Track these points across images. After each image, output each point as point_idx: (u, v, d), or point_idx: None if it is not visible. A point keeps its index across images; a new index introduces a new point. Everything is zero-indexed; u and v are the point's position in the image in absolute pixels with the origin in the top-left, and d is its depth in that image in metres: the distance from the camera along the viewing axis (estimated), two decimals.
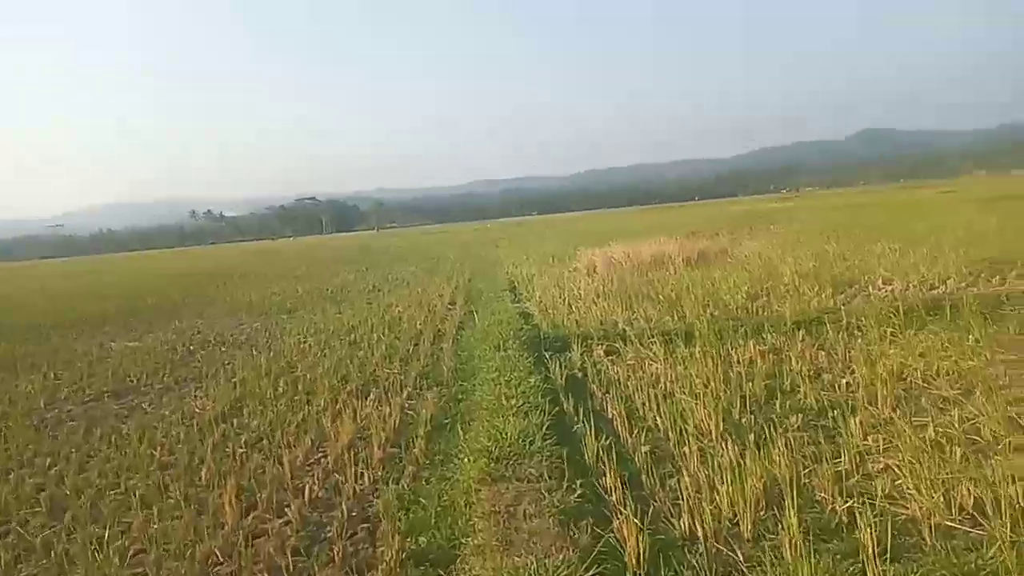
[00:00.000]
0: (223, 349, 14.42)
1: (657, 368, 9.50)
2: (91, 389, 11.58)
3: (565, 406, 7.80)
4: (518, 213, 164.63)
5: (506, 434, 6.44)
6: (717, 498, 5.30)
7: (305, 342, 14.15)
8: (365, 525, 5.65)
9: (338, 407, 9.03)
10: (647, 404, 7.89)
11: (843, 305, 12.59)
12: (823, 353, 9.57)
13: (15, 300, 32.86)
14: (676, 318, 12.70)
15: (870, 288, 14.85)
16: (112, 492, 6.84)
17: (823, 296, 13.72)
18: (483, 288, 20.62)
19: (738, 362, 9.46)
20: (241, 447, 7.82)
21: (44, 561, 5.50)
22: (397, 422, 8.05)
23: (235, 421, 8.96)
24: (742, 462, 5.73)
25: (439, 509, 5.57)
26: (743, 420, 7.16)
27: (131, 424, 9.19)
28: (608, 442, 6.63)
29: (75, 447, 8.39)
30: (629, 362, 10.07)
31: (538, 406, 7.39)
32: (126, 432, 8.78)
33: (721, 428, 6.77)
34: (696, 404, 7.56)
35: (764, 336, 10.81)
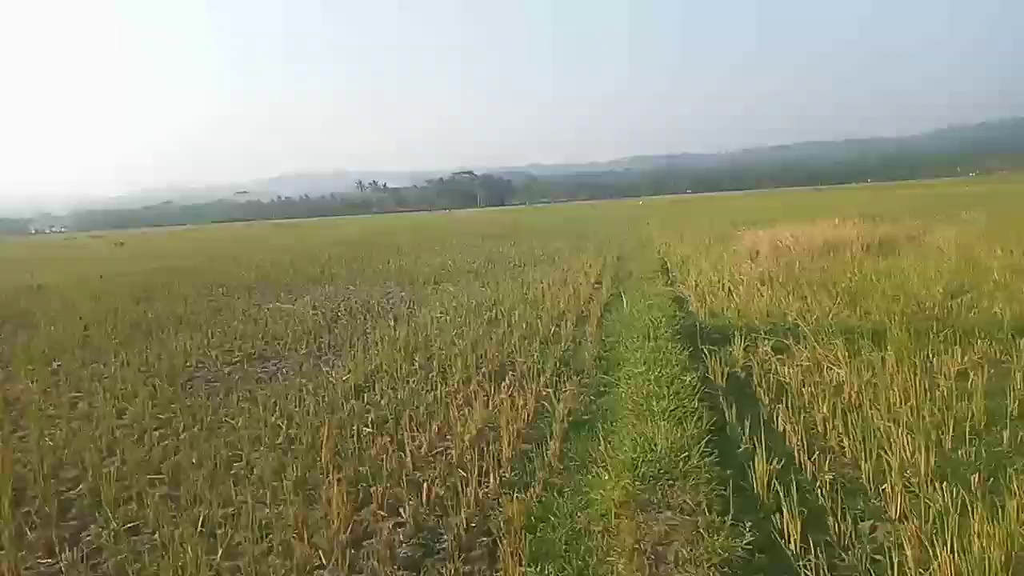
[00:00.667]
0: (367, 317, 14.32)
1: (840, 374, 8.02)
2: (239, 351, 11.75)
3: (727, 414, 6.63)
4: (671, 191, 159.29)
5: (655, 445, 5.42)
6: (935, 566, 4.01)
7: (446, 315, 13.72)
8: (485, 540, 4.88)
9: (471, 389, 8.37)
10: (828, 419, 6.54)
11: None
12: None
13: (194, 260, 35.63)
14: (859, 314, 10.96)
15: None
16: (235, 465, 6.55)
17: None
18: (632, 268, 19.41)
19: (943, 375, 7.78)
20: (367, 426, 7.34)
21: (154, 536, 5.20)
22: (531, 414, 7.23)
23: (365, 396, 8.54)
24: (969, 516, 4.37)
25: (571, 534, 4.67)
26: (960, 453, 5.67)
27: (267, 392, 9.04)
28: (780, 464, 5.44)
29: (212, 410, 8.31)
30: (803, 363, 8.64)
31: (694, 412, 6.29)
32: (260, 400, 8.62)
33: (932, 462, 5.35)
34: (893, 424, 6.14)
35: (974, 343, 8.94)
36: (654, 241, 27.75)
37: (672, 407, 6.35)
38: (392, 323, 13.27)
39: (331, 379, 9.39)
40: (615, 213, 64.31)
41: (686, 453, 5.40)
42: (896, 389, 7.17)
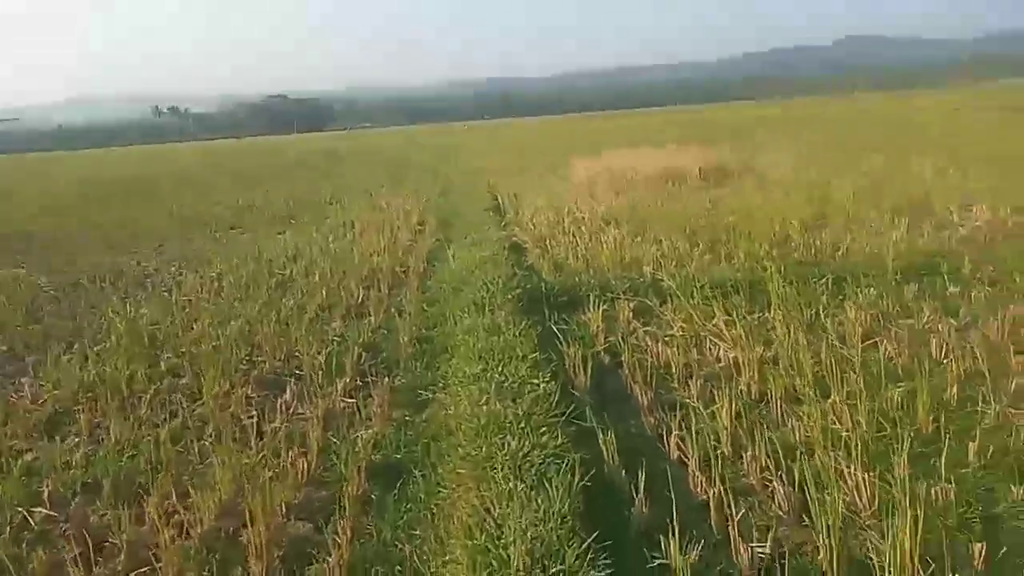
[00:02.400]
0: (112, 289, 10.86)
1: (727, 350, 6.24)
2: None
3: (603, 447, 4.51)
4: (496, 115, 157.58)
5: (508, 556, 3.18)
6: None
7: (223, 279, 10.65)
8: None
9: (226, 414, 5.72)
10: (736, 429, 4.68)
11: (949, 241, 9.41)
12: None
13: None
14: (723, 260, 9.39)
15: (954, 216, 11.64)
16: None
17: (901, 228, 10.48)
18: (460, 205, 17.05)
19: (849, 342, 6.22)
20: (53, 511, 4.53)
21: None
22: (308, 467, 4.72)
23: (68, 433, 5.63)
24: None
25: None
26: (913, 478, 3.94)
27: None
28: (700, 550, 3.45)
29: None
30: (678, 334, 6.80)
31: (557, 453, 4.13)
32: None
33: (885, 493, 3.58)
34: (812, 424, 4.43)
35: (858, 292, 7.58)
36: (483, 171, 25.44)
37: (525, 448, 4.13)
38: (143, 299, 9.98)
39: (20, 403, 6.29)
40: (439, 139, 61.15)
41: (555, 547, 3.23)
42: (804, 373, 5.47)
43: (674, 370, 5.98)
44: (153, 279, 11.41)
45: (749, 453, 4.33)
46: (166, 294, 10.19)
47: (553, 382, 5.25)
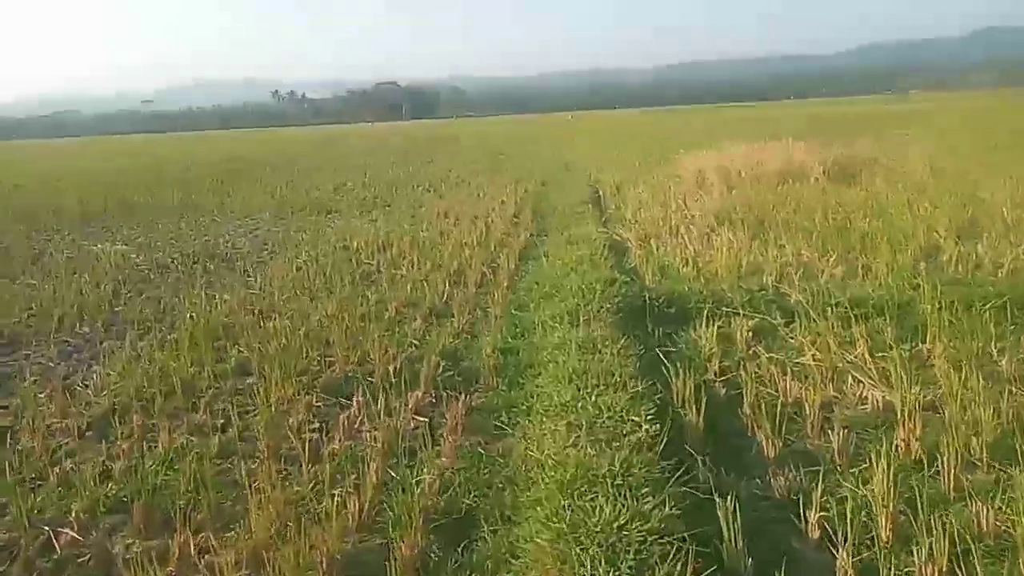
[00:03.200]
0: (203, 270, 10.66)
1: (873, 389, 5.10)
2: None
3: (720, 514, 3.55)
4: (601, 106, 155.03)
5: None
6: None
7: (311, 265, 10.23)
8: None
9: (285, 427, 5.11)
10: (896, 502, 3.61)
11: None
12: None
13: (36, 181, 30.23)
14: (861, 273, 8.09)
15: None
16: None
17: None
18: (558, 197, 16.14)
19: None
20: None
21: None
22: (365, 506, 3.99)
23: (118, 435, 5.18)
24: None
25: None
26: None
27: None
28: None
29: None
30: (811, 363, 5.68)
31: (662, 517, 3.21)
32: None
33: None
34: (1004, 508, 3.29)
35: None
36: (584, 162, 24.43)
37: (621, 517, 3.23)
38: (223, 284, 9.64)
39: (71, 402, 5.91)
40: (542, 129, 60.33)
41: None
42: (982, 430, 4.31)
43: (807, 411, 4.89)
44: (243, 262, 11.13)
45: (922, 549, 3.25)
46: (251, 279, 9.86)
47: (658, 422, 4.31)
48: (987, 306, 6.46)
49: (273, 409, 5.40)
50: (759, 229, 10.78)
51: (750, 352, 6.10)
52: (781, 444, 4.49)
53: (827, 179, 15.60)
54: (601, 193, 15.80)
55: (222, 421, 5.36)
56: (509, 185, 18.94)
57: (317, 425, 5.26)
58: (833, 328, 6.15)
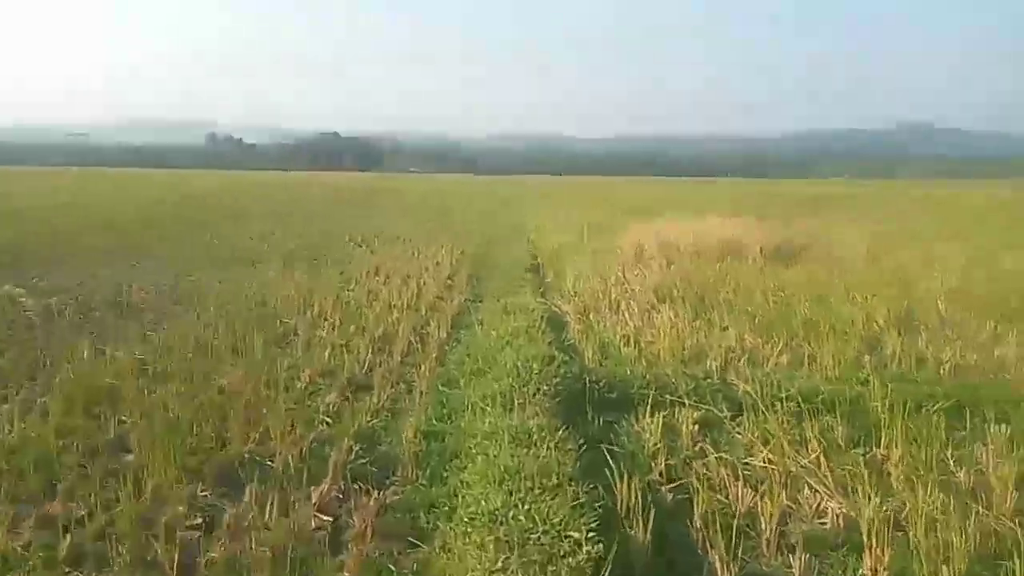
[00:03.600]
0: (99, 319, 9.63)
1: (831, 503, 4.64)
2: None
3: None
4: (542, 171, 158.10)
5: None
6: None
7: (221, 322, 9.34)
8: None
9: (162, 524, 4.28)
10: None
11: None
12: None
13: None
14: (806, 361, 7.77)
15: None
16: None
17: (1011, 342, 8.74)
18: (496, 261, 15.71)
19: (990, 503, 4.59)
20: None
21: None
22: None
23: None
24: None
25: None
26: None
27: None
28: None
29: None
30: (762, 465, 5.20)
31: None
32: None
33: None
34: None
35: (986, 428, 5.92)
36: (524, 226, 24.19)
37: None
38: (119, 339, 8.64)
39: None
40: (482, 190, 60.64)
41: None
42: (952, 555, 3.87)
43: (762, 525, 4.37)
44: (147, 315, 10.14)
45: None
46: (151, 334, 8.91)
47: (601, 539, 3.70)
48: (936, 407, 6.17)
49: (148, 499, 4.56)
50: (701, 308, 10.50)
51: (697, 448, 5.60)
52: (736, 568, 3.93)
53: (764, 259, 15.66)
54: (541, 260, 15.44)
55: (83, 512, 4.47)
56: (446, 245, 18.42)
57: (199, 521, 4.44)
58: (784, 424, 5.72)
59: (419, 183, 75.63)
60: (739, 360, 7.70)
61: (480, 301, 11.28)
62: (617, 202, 39.59)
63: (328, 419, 6.06)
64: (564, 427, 5.36)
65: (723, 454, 5.36)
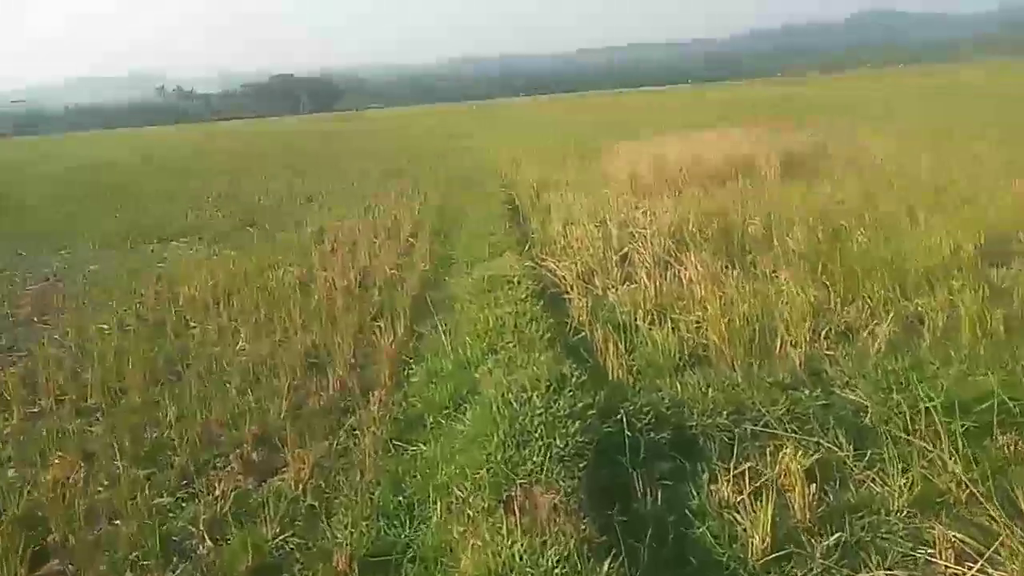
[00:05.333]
0: None
1: None
2: None
3: None
4: (504, 94, 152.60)
5: None
6: None
7: (105, 336, 6.83)
8: None
9: None
10: None
11: None
12: None
13: None
14: (930, 332, 5.43)
15: None
16: None
17: None
18: (465, 206, 13.14)
19: None
20: None
21: None
22: None
23: None
24: None
25: None
26: None
27: None
28: None
29: None
30: (944, 567, 2.93)
31: None
32: None
33: None
34: None
35: None
36: (495, 159, 21.43)
37: None
38: None
39: None
40: (446, 120, 57.02)
41: None
42: None
43: None
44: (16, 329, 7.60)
45: None
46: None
47: None
48: None
49: None
50: (730, 249, 8.15)
51: (826, 544, 3.29)
52: None
53: (779, 173, 13.23)
54: (519, 201, 12.88)
55: None
56: (407, 192, 15.78)
57: None
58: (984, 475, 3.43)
59: (378, 120, 71.46)
60: (823, 334, 5.37)
61: (448, 270, 8.81)
62: (590, 121, 36.63)
63: (204, 531, 3.68)
64: (602, 534, 3.02)
65: (879, 532, 3.05)
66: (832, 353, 5.10)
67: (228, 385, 5.59)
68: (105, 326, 7.51)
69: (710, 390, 4.44)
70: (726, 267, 7.38)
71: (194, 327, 7.33)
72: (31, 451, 4.76)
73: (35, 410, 5.48)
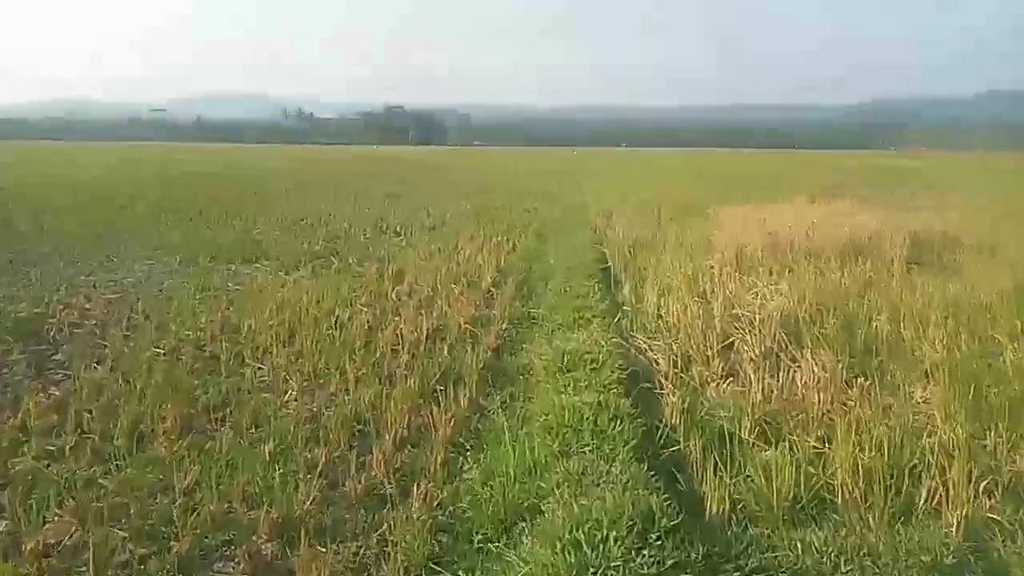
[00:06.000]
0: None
1: None
2: None
3: None
4: (611, 143, 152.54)
5: None
6: None
7: (154, 367, 6.35)
8: None
9: None
10: None
11: None
12: None
13: None
14: None
15: None
16: None
17: None
18: (553, 261, 12.36)
19: None
20: None
21: None
22: None
23: None
24: None
25: None
26: None
27: None
28: None
29: None
30: None
31: None
32: None
33: None
34: None
35: None
36: (590, 208, 20.66)
37: None
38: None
39: None
40: (547, 164, 57.00)
41: None
42: None
43: None
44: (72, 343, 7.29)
45: None
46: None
47: None
48: None
49: None
50: (853, 349, 7.02)
51: None
52: None
53: (908, 262, 11.85)
54: (612, 261, 12.00)
55: None
56: (496, 236, 15.19)
57: None
58: None
59: (478, 156, 72.36)
60: (983, 486, 4.23)
61: (530, 327, 8.04)
62: (693, 179, 35.49)
63: None
64: None
65: None
66: (998, 518, 3.97)
67: (262, 448, 4.92)
68: (161, 351, 7.10)
69: (842, 560, 3.40)
70: (851, 374, 6.28)
71: (248, 365, 6.78)
72: (32, 500, 4.21)
73: (53, 447, 4.96)
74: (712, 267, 10.71)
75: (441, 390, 5.97)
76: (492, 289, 10.23)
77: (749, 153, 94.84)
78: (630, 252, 12.42)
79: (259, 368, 6.70)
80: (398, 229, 16.75)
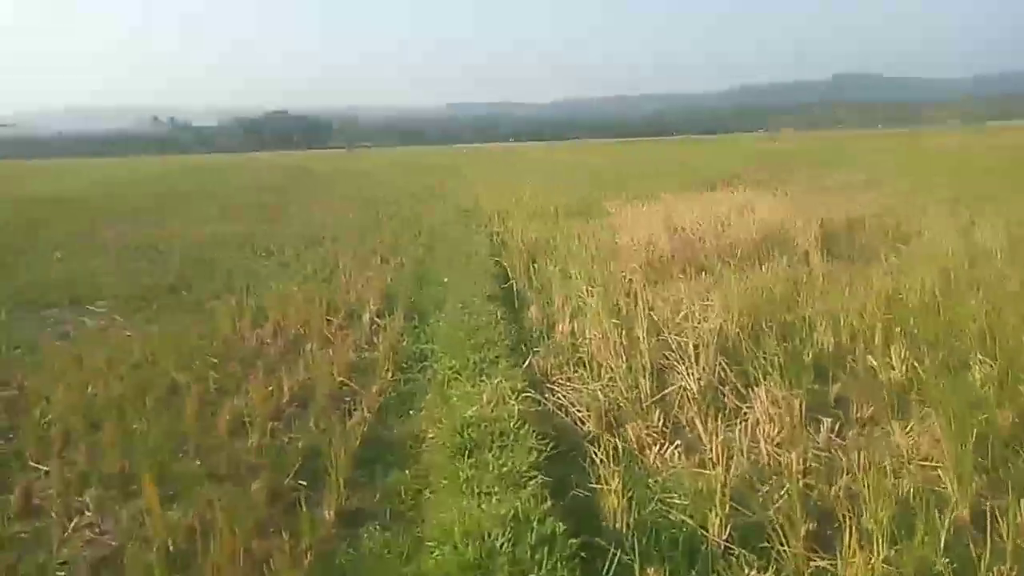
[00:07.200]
0: None
1: None
2: None
3: None
4: (497, 139, 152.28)
5: None
6: None
7: None
8: None
9: None
10: None
11: None
12: None
13: None
14: None
15: None
16: None
17: None
18: (448, 275, 10.81)
19: None
20: None
21: None
22: None
23: None
24: None
25: None
26: None
27: None
28: None
29: None
30: None
31: None
32: None
33: None
34: None
35: None
36: (481, 212, 19.19)
37: None
38: None
39: None
40: (433, 161, 55.14)
41: None
42: None
43: None
44: None
45: None
46: None
47: None
48: None
49: None
50: (807, 377, 5.93)
51: None
52: None
53: (817, 248, 11.13)
54: (513, 274, 10.59)
55: None
56: (381, 251, 13.51)
57: None
58: None
59: (366, 159, 69.51)
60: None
61: (423, 371, 6.51)
62: (584, 170, 34.75)
63: None
64: None
65: None
66: None
67: None
68: None
69: None
70: (810, 413, 5.14)
71: (33, 467, 4.92)
72: None
73: None
74: (625, 276, 9.49)
75: (299, 489, 4.36)
76: (376, 320, 8.60)
77: (632, 141, 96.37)
78: (532, 264, 11.05)
79: (44, 469, 4.85)
80: (269, 248, 14.72)
